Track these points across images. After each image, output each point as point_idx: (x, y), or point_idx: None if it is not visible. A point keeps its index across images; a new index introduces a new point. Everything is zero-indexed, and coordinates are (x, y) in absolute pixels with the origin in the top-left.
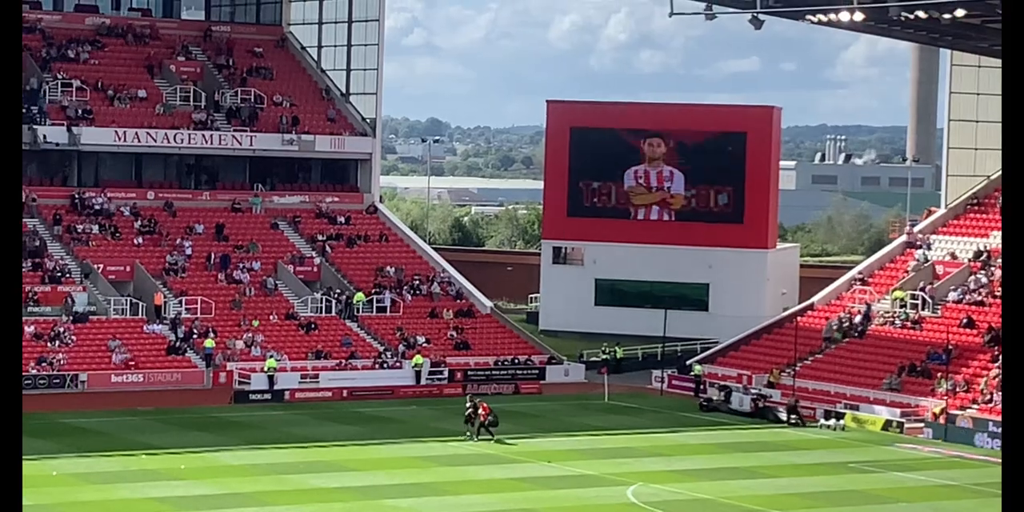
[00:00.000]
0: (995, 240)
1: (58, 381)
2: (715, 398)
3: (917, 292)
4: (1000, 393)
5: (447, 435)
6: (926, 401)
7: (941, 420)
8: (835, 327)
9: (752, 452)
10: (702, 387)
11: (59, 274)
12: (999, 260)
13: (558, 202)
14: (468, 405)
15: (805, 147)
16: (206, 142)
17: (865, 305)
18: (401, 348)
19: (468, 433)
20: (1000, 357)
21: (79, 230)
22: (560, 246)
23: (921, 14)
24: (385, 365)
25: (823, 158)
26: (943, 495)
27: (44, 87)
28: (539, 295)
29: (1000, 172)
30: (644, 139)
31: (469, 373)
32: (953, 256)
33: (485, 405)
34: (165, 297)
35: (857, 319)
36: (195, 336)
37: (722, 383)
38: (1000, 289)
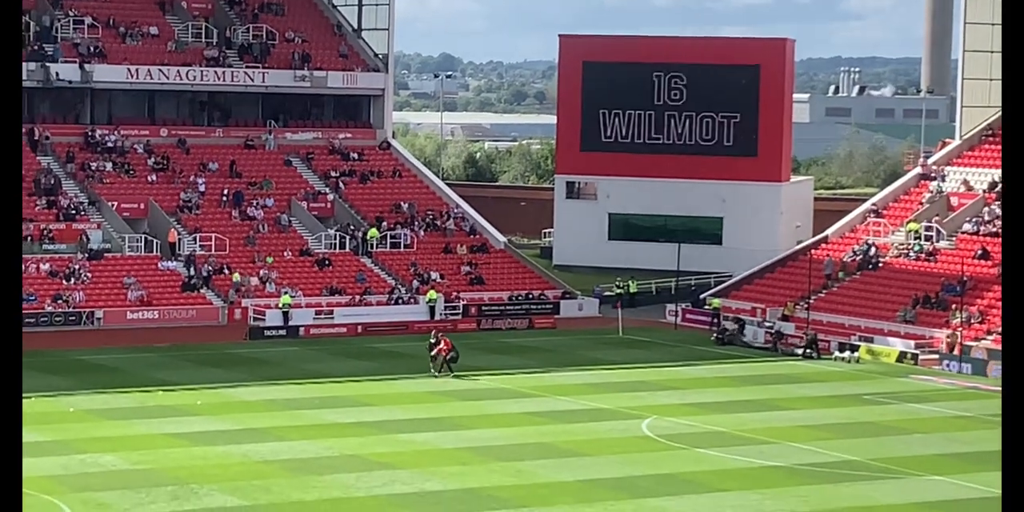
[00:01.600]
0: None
1: (74, 318)
2: (729, 330)
3: (931, 224)
4: None
5: (462, 370)
6: (940, 333)
7: (955, 351)
8: (835, 263)
9: (766, 385)
10: (717, 320)
11: (73, 212)
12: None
13: (571, 137)
14: (432, 340)
15: (819, 80)
16: (218, 79)
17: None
18: (415, 284)
19: (432, 368)
20: None
21: (93, 168)
22: (573, 181)
23: None
24: (399, 300)
25: (837, 91)
26: (958, 426)
27: (56, 24)
28: (553, 230)
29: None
30: (656, 73)
31: (483, 308)
32: (968, 187)
33: (447, 340)
34: (179, 234)
35: (871, 252)
36: (211, 272)
37: (736, 316)
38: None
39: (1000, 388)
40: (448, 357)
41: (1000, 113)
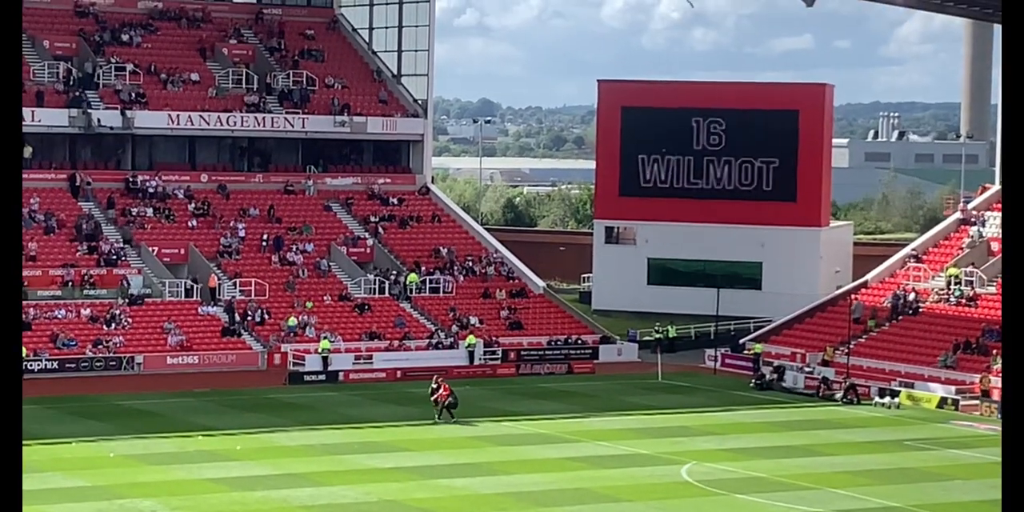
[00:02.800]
0: None
1: (114, 363)
2: (768, 376)
3: (971, 269)
4: None
5: (501, 415)
6: (977, 377)
7: (995, 397)
8: (864, 308)
9: (806, 430)
10: (757, 365)
11: (114, 257)
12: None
13: (610, 182)
14: (433, 386)
15: (858, 125)
16: (258, 125)
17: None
18: (454, 328)
19: (436, 415)
20: None
21: (133, 213)
22: (612, 226)
23: None
24: (439, 345)
25: (876, 136)
26: (998, 473)
27: (98, 71)
28: (591, 275)
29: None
30: (696, 118)
31: (522, 353)
32: None
33: (446, 386)
34: (219, 279)
35: (911, 297)
36: (248, 318)
37: (778, 362)
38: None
39: None
40: (447, 402)
41: None
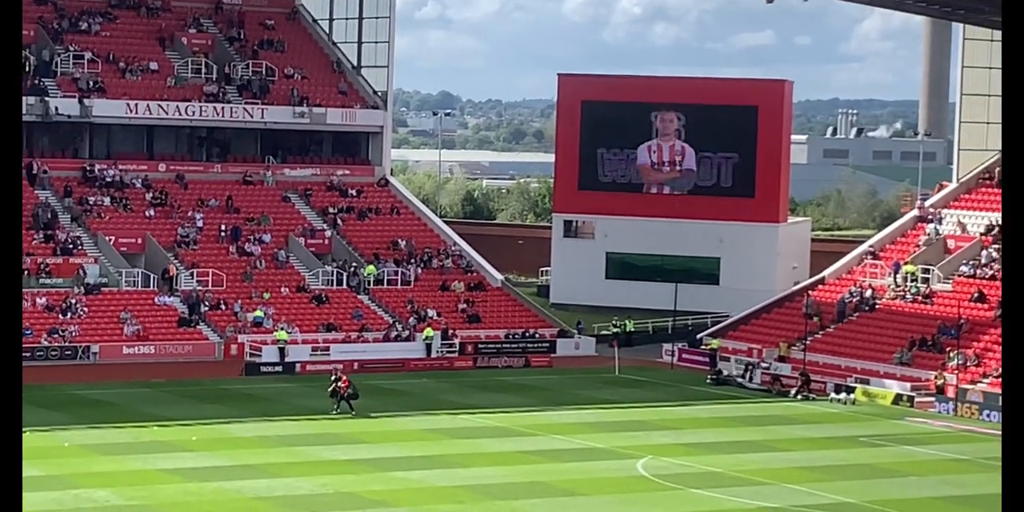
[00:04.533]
0: None
1: (70, 353)
2: (733, 373)
3: (928, 266)
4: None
5: (458, 408)
6: (932, 374)
7: (950, 394)
8: (815, 305)
9: (763, 426)
10: (714, 361)
11: (71, 246)
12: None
13: (569, 176)
14: (332, 378)
15: (817, 121)
16: (217, 114)
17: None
18: (412, 321)
19: (334, 407)
20: None
21: (91, 202)
22: (571, 219)
23: None
24: (397, 338)
25: (835, 132)
26: (953, 469)
27: (56, 59)
28: (550, 268)
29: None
30: (655, 113)
31: (480, 346)
32: (964, 230)
33: (346, 378)
34: (177, 269)
35: (868, 293)
36: (206, 308)
37: (748, 359)
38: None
39: (994, 431)
40: (347, 394)
41: (997, 156)
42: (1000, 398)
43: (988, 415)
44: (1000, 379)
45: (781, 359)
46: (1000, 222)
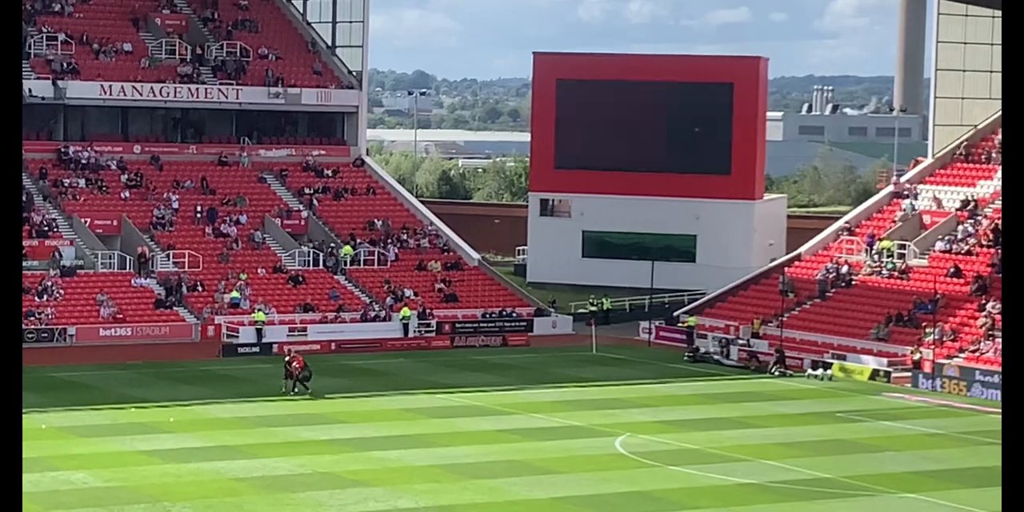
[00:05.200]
0: (982, 189)
1: (46, 335)
2: (710, 350)
3: (904, 242)
4: (985, 341)
5: (435, 387)
6: (908, 350)
7: (926, 368)
8: (790, 281)
9: (740, 402)
10: (691, 338)
11: (46, 228)
12: (987, 210)
13: (545, 154)
14: (286, 359)
15: (792, 98)
16: (192, 96)
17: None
18: (389, 301)
19: (284, 387)
20: (987, 306)
21: (66, 184)
22: (547, 198)
23: None
24: (374, 318)
25: (810, 109)
26: (930, 444)
27: (29, 41)
28: (527, 247)
29: (988, 121)
30: (631, 91)
31: (457, 325)
32: (940, 205)
33: (300, 359)
34: (151, 250)
35: (844, 269)
36: (183, 290)
37: (724, 336)
38: (987, 238)
39: (970, 406)
40: (300, 376)
41: (972, 132)
42: (976, 373)
43: (968, 389)
44: (976, 354)
45: (755, 336)
46: (975, 197)
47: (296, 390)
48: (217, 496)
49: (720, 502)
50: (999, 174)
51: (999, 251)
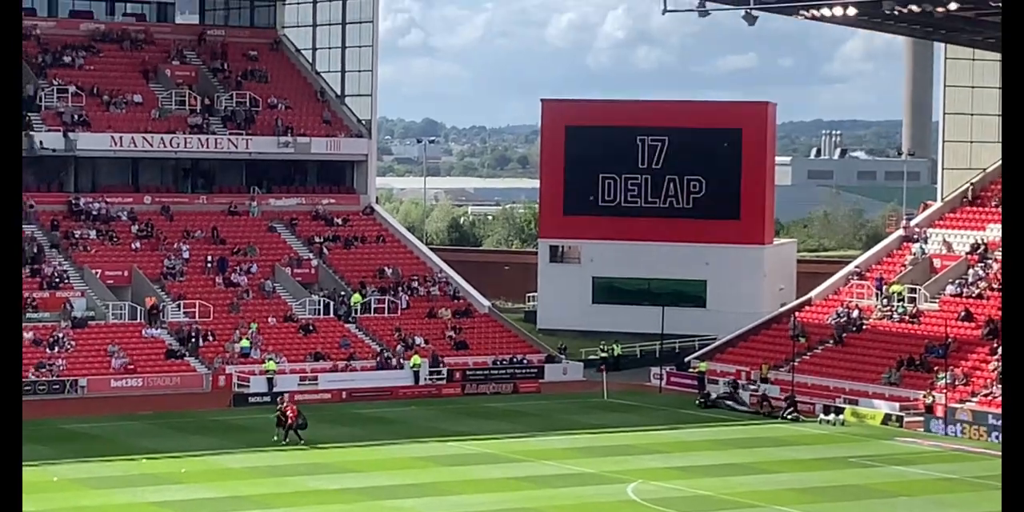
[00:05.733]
0: (992, 233)
1: (58, 387)
2: (712, 394)
3: (914, 286)
4: (997, 385)
5: (447, 435)
6: (920, 394)
7: (939, 413)
8: (800, 326)
9: (752, 448)
10: (703, 384)
11: (57, 280)
12: (996, 253)
13: (554, 201)
14: (278, 408)
15: (801, 142)
16: (202, 146)
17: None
18: (399, 349)
19: (277, 436)
20: (999, 350)
21: (76, 235)
22: (557, 245)
23: (914, 8)
24: (386, 366)
25: (819, 153)
26: (944, 489)
27: (40, 93)
28: (537, 294)
29: (997, 164)
30: (639, 137)
31: (468, 373)
32: (950, 249)
33: (293, 408)
34: (161, 301)
35: (855, 313)
36: (193, 340)
37: (726, 379)
38: (998, 282)
39: (984, 450)
40: (296, 424)
41: (981, 175)
42: (989, 417)
43: (978, 433)
44: (988, 398)
45: (763, 380)
46: (985, 240)
47: (288, 439)
48: None
49: None
50: None
51: None
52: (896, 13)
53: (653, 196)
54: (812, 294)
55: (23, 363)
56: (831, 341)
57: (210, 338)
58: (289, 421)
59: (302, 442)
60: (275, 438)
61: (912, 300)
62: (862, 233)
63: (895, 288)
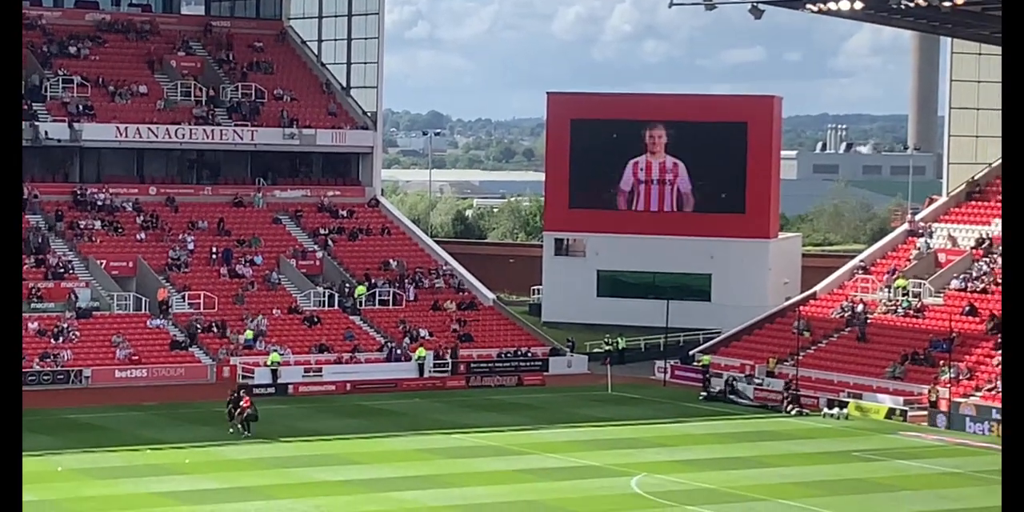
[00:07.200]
0: (997, 227)
1: (62, 377)
2: (716, 389)
3: (919, 280)
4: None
5: (451, 428)
6: (925, 388)
7: (943, 407)
8: (804, 321)
9: (756, 441)
10: (707, 377)
11: (62, 270)
12: (1001, 247)
13: (559, 194)
14: (233, 396)
15: (807, 136)
16: (207, 137)
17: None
18: (404, 341)
19: (231, 427)
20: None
21: (81, 226)
22: (562, 238)
23: (921, 2)
24: (391, 358)
25: (824, 147)
26: (947, 483)
27: (45, 83)
28: (541, 287)
29: (1001, 159)
30: (645, 130)
31: (472, 365)
32: (955, 244)
33: (248, 398)
34: (169, 292)
35: (859, 308)
36: (199, 331)
37: (726, 373)
38: (1001, 275)
39: (987, 445)
40: (247, 415)
41: (986, 170)
42: (993, 411)
43: (982, 428)
44: (992, 392)
45: (769, 374)
46: (990, 235)
47: (241, 428)
48: None
49: None
50: None
51: None
52: (903, 7)
53: (658, 190)
54: (817, 288)
55: (27, 353)
56: (834, 335)
57: (214, 329)
58: (240, 411)
59: (248, 434)
60: (231, 431)
61: (917, 294)
62: (867, 227)
63: (900, 282)
